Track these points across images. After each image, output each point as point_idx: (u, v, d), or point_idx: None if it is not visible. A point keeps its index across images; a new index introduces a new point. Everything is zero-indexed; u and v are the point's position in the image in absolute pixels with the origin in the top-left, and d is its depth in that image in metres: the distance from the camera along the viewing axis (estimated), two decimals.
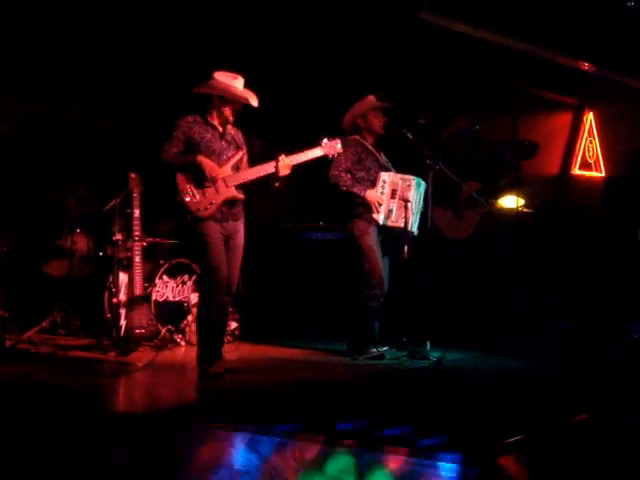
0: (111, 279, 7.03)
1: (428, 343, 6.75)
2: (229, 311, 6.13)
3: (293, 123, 8.58)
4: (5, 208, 7.32)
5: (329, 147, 5.99)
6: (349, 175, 6.71)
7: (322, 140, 5.98)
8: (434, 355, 6.59)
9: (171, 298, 7.34)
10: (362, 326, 6.74)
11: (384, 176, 6.73)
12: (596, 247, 9.79)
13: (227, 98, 5.78)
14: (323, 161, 6.23)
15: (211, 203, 5.64)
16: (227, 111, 5.81)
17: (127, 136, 8.23)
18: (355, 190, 6.67)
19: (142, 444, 3.86)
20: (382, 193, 6.69)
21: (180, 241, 7.43)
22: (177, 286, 7.40)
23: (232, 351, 6.67)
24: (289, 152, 5.86)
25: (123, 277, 6.99)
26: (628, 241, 9.90)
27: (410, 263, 6.78)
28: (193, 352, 6.07)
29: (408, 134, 6.85)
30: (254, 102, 5.82)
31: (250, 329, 7.72)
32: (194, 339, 6.85)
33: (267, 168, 5.79)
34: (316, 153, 5.98)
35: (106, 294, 7.07)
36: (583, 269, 9.56)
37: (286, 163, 5.76)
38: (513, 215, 8.36)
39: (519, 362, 6.83)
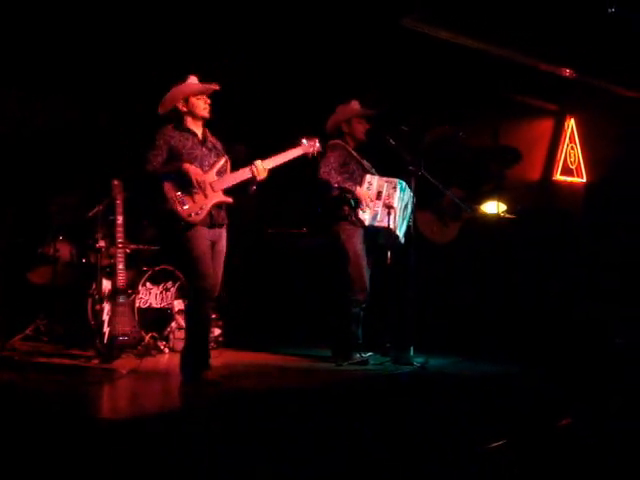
0: (94, 286, 7.02)
1: (412, 348, 6.77)
2: (211, 314, 6.12)
3: (278, 129, 8.59)
4: None
5: (308, 146, 6.09)
6: (338, 173, 6.76)
7: (301, 140, 6.06)
8: (418, 360, 6.61)
9: (155, 305, 7.33)
10: (346, 331, 6.77)
11: (369, 178, 6.83)
12: (578, 252, 9.84)
13: (191, 94, 5.84)
14: (306, 167, 6.26)
15: (201, 208, 5.68)
16: (198, 109, 5.86)
17: (110, 143, 8.21)
18: (347, 186, 6.74)
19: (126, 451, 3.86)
20: (367, 196, 6.75)
21: (165, 248, 7.43)
22: (160, 293, 7.40)
23: (216, 357, 6.65)
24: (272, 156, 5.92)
25: (106, 284, 6.98)
26: (610, 246, 9.96)
27: (394, 269, 6.81)
28: (177, 359, 6.04)
29: (391, 140, 6.89)
30: (215, 87, 5.89)
31: (234, 335, 7.71)
32: (178, 346, 6.85)
33: (244, 174, 5.85)
34: (295, 153, 6.07)
35: (89, 301, 7.05)
36: (565, 274, 9.61)
37: (261, 167, 5.84)
38: (495, 221, 8.39)
39: (502, 367, 6.85)
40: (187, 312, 6.02)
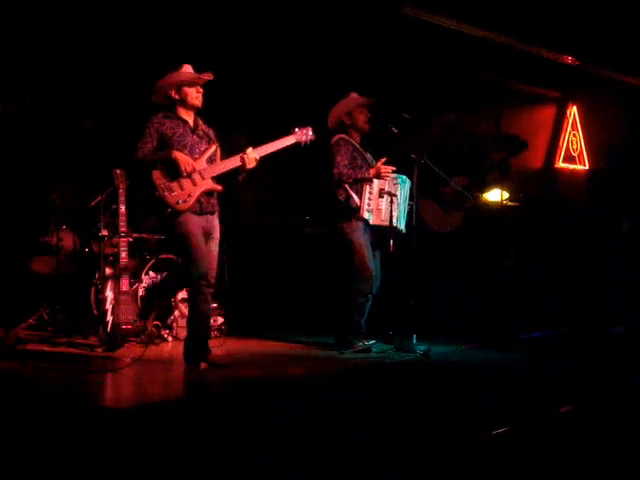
0: (97, 275, 7.04)
1: (414, 336, 6.78)
2: (210, 301, 6.15)
3: (280, 118, 8.58)
4: None
5: (301, 134, 6.11)
6: (348, 169, 6.78)
7: (294, 129, 6.09)
8: (420, 348, 6.62)
9: None
10: (350, 321, 6.79)
11: None
12: (580, 239, 9.84)
13: (184, 84, 5.87)
14: (309, 156, 6.27)
15: (189, 195, 5.73)
16: (190, 98, 5.90)
17: (112, 132, 8.20)
18: (360, 175, 6.80)
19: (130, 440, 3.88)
20: (370, 193, 6.78)
21: (165, 236, 7.44)
22: None
23: (219, 346, 6.68)
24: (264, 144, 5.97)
25: (109, 273, 7.00)
26: (612, 233, 9.96)
27: (396, 257, 6.82)
28: (180, 347, 6.08)
29: (393, 129, 6.89)
30: (209, 77, 5.90)
31: (237, 324, 7.72)
32: (181, 334, 6.86)
33: (234, 162, 5.88)
34: (288, 141, 6.09)
35: (92, 290, 7.08)
36: (568, 262, 9.62)
37: (251, 156, 5.85)
38: (498, 208, 8.39)
39: (505, 355, 6.87)
40: (189, 299, 6.07)
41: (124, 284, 6.81)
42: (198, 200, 5.78)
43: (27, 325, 7.18)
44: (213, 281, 5.93)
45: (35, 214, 7.67)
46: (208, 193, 5.86)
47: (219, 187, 5.88)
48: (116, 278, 6.87)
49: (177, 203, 5.70)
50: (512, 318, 7.97)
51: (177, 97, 5.90)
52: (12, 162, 7.76)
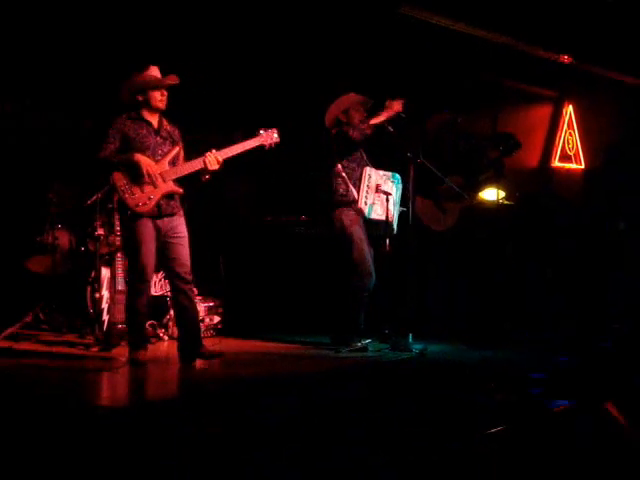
0: (93, 274, 7.03)
1: (410, 335, 6.78)
2: (194, 297, 6.26)
3: (275, 119, 8.59)
4: None
5: (266, 137, 6.13)
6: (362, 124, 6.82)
7: (259, 131, 6.10)
8: (416, 347, 6.62)
9: (153, 293, 7.33)
10: (348, 318, 6.78)
11: (369, 171, 6.88)
12: (577, 239, 9.84)
13: (149, 87, 5.90)
14: (304, 157, 6.28)
15: (149, 198, 5.80)
16: (154, 100, 5.94)
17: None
18: (375, 120, 6.87)
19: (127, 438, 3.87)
20: (368, 186, 6.80)
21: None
22: (159, 281, 7.39)
23: (215, 345, 6.68)
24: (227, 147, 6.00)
25: (105, 272, 7.00)
26: (609, 233, 9.96)
27: (392, 256, 6.82)
28: (175, 346, 6.09)
29: (389, 128, 6.89)
30: (173, 80, 5.94)
31: (233, 323, 7.73)
32: (177, 333, 6.86)
33: (196, 164, 5.94)
34: (252, 144, 6.11)
35: (88, 289, 7.07)
36: (565, 261, 9.62)
37: (212, 159, 5.90)
38: (494, 207, 8.39)
39: (502, 354, 6.87)
40: (126, 294, 6.27)
41: (120, 283, 6.81)
42: (157, 203, 5.85)
43: (23, 324, 7.17)
44: (189, 277, 6.03)
45: (31, 213, 7.66)
46: (168, 196, 5.91)
47: (180, 189, 5.95)
48: (112, 277, 6.87)
49: (137, 206, 5.78)
50: (509, 317, 7.97)
51: (141, 99, 5.94)
52: (8, 161, 7.74)
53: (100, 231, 7.04)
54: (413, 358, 6.45)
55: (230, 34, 8.11)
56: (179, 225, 6.01)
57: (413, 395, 5.04)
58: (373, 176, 6.84)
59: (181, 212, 6.05)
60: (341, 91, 7.04)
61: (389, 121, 6.90)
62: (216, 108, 6.09)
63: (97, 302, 6.90)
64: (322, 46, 8.47)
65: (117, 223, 6.82)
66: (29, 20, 7.52)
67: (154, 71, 5.96)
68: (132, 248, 5.92)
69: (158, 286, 7.38)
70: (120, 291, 6.78)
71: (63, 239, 7.51)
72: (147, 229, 5.84)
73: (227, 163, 5.99)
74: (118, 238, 6.82)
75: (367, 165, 6.93)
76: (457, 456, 3.77)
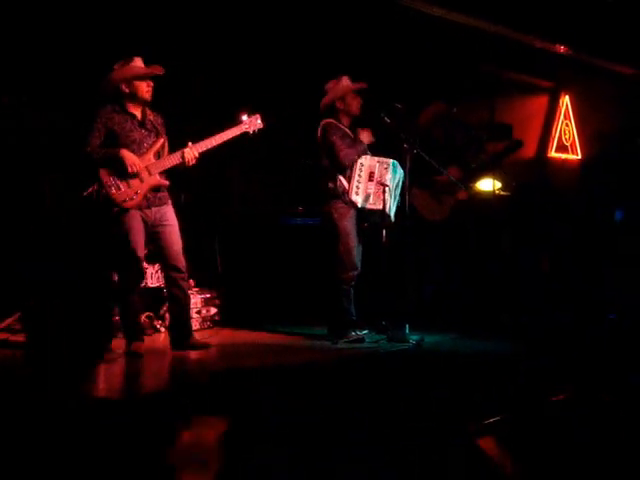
0: None
1: (407, 326, 6.78)
2: (187, 287, 6.29)
3: (272, 108, 8.57)
4: None
5: (249, 123, 6.14)
6: (348, 147, 6.76)
7: (241, 117, 6.08)
8: (413, 338, 6.62)
9: (150, 284, 7.32)
10: (338, 309, 6.78)
11: (361, 159, 6.77)
12: (573, 229, 9.85)
13: (136, 78, 5.87)
14: (300, 146, 6.25)
15: (136, 193, 5.82)
16: (140, 92, 5.92)
17: None
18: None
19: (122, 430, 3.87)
20: (360, 176, 6.73)
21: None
22: (156, 272, 7.38)
23: (212, 336, 6.67)
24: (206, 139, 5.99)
25: None
26: (605, 223, 9.97)
27: (389, 247, 6.81)
28: None
29: (386, 118, 6.87)
30: (159, 71, 5.92)
31: (230, 314, 7.72)
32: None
33: (174, 159, 5.96)
34: (235, 132, 6.12)
35: None
36: (560, 251, 9.62)
37: (190, 156, 5.91)
38: (490, 198, 8.38)
39: (498, 344, 6.87)
40: (117, 288, 6.21)
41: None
42: (145, 197, 5.86)
43: (19, 316, 7.14)
44: (180, 265, 6.04)
45: (25, 205, 7.62)
46: (155, 189, 5.92)
47: (166, 182, 5.97)
48: None
49: (124, 201, 5.79)
50: (505, 308, 7.97)
51: (127, 91, 5.91)
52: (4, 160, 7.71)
53: None
54: (410, 349, 6.44)
55: (222, 21, 8.08)
56: (167, 213, 6.03)
57: (408, 385, 5.04)
58: (365, 164, 6.76)
59: (169, 202, 6.06)
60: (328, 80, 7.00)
61: (386, 112, 6.86)
62: (205, 97, 6.07)
63: None
64: (319, 37, 8.44)
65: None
66: (24, 17, 7.49)
67: (138, 62, 5.94)
68: (121, 241, 5.90)
69: (154, 278, 7.37)
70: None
71: None
72: (135, 221, 5.86)
73: (224, 153, 5.98)
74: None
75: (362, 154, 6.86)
76: (452, 447, 3.78)
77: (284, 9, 8.13)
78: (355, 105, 6.92)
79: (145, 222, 5.90)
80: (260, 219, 8.58)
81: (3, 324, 6.91)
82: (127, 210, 5.80)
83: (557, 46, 10.15)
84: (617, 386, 5.28)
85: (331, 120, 6.92)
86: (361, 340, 6.72)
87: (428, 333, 6.94)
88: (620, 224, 9.98)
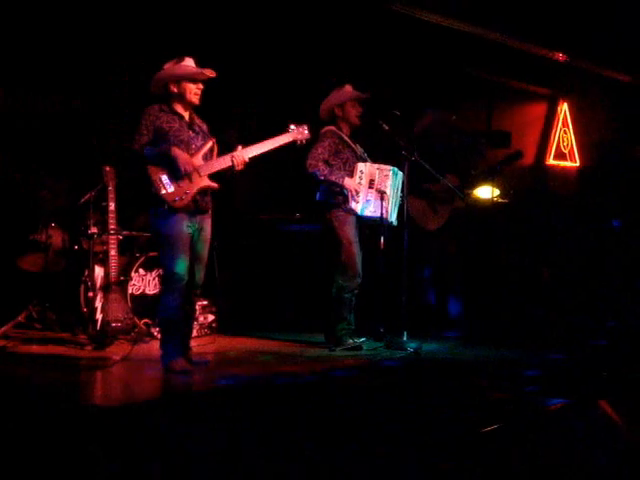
0: (87, 273, 7.00)
1: (405, 333, 6.77)
2: (195, 302, 6.11)
3: (267, 113, 8.58)
4: None
5: (297, 133, 5.99)
6: (326, 165, 6.71)
7: (289, 126, 5.98)
8: (411, 345, 6.60)
9: (147, 291, 7.31)
10: (338, 317, 6.76)
11: (361, 166, 6.76)
12: (571, 236, 9.85)
13: (185, 79, 5.72)
14: (299, 152, 6.24)
15: (186, 193, 5.58)
16: (189, 94, 5.73)
17: (101, 129, 8.17)
18: (333, 178, 6.68)
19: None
20: (360, 183, 6.72)
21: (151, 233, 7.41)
22: (153, 279, 7.37)
23: (209, 344, 6.66)
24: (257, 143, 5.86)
25: (99, 271, 6.96)
26: (603, 230, 9.97)
27: (387, 254, 6.80)
28: None
29: (384, 125, 6.86)
30: (211, 74, 5.75)
31: (227, 322, 7.70)
32: None
33: (225, 161, 5.74)
34: (283, 140, 5.96)
35: (82, 288, 7.03)
36: (558, 258, 9.62)
37: (240, 159, 5.70)
38: (488, 205, 8.38)
39: (496, 352, 6.86)
40: (160, 298, 5.93)
41: (113, 282, 6.79)
42: (194, 198, 5.66)
43: (16, 323, 7.14)
44: (200, 282, 5.85)
45: (23, 211, 7.63)
46: (203, 191, 5.72)
47: (215, 185, 5.73)
48: (106, 276, 6.85)
49: (174, 201, 5.56)
50: (503, 315, 7.97)
51: (175, 91, 5.72)
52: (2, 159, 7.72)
53: (93, 229, 7.01)
54: (408, 356, 6.43)
55: (220, 30, 8.11)
56: (208, 227, 5.84)
57: (407, 393, 5.03)
58: (365, 171, 6.75)
59: (210, 210, 5.87)
60: (333, 87, 7.00)
61: (383, 119, 6.87)
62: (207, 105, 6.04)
63: (90, 301, 6.87)
64: (314, 43, 8.45)
65: (111, 222, 6.80)
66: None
67: (190, 62, 5.77)
68: (165, 245, 5.68)
69: (152, 285, 7.36)
70: (114, 290, 6.77)
71: (56, 237, 7.46)
72: (182, 225, 5.63)
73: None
74: (112, 237, 6.79)
75: (359, 161, 6.85)
76: (451, 455, 3.77)
77: (283, 13, 8.16)
78: (354, 113, 6.88)
79: (190, 226, 5.70)
80: (258, 226, 8.58)
81: (4, 328, 6.92)
82: (176, 211, 5.60)
83: (555, 54, 10.17)
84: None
85: (331, 128, 6.90)
86: (359, 348, 6.70)
87: (426, 340, 6.94)
88: (618, 231, 9.98)
